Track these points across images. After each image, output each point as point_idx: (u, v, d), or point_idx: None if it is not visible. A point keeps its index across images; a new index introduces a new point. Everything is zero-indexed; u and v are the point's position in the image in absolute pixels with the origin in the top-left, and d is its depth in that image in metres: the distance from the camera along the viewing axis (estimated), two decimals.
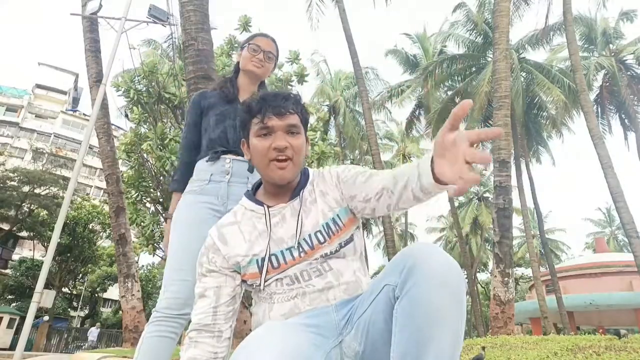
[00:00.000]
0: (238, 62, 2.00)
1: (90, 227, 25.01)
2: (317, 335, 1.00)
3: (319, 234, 1.11)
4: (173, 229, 1.75)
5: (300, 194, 1.16)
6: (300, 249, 1.11)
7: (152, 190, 11.51)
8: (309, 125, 1.25)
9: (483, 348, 2.75)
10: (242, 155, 1.74)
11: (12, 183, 23.19)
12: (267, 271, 1.11)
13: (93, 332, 22.62)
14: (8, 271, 26.66)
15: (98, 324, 25.59)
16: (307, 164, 2.34)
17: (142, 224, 10.99)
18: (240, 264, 1.14)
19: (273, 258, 1.11)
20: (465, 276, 25.80)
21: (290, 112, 1.13)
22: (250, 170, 1.77)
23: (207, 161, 1.80)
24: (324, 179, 1.19)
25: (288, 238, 1.12)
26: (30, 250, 27.53)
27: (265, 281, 1.11)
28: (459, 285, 0.89)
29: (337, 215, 1.14)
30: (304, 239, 1.11)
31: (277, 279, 1.11)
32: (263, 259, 1.11)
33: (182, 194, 1.83)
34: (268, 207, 1.15)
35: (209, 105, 1.91)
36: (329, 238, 1.11)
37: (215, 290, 1.13)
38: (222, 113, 1.86)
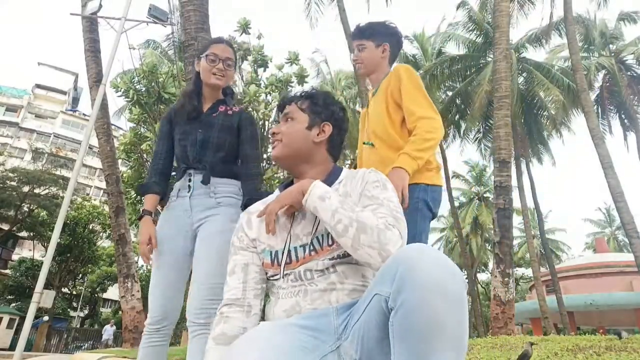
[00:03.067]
0: (198, 72, 2.03)
1: (90, 227, 25.01)
2: (312, 338, 0.99)
3: (329, 236, 1.11)
4: (160, 245, 1.89)
5: None
6: (311, 247, 1.12)
7: None
8: None
9: (531, 344, 2.70)
10: (202, 170, 1.90)
11: (12, 183, 23.19)
12: (277, 263, 1.15)
13: (108, 330, 22.26)
14: (8, 271, 26.65)
15: (112, 321, 25.37)
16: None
17: None
18: (258, 250, 1.20)
19: (286, 252, 1.15)
20: (466, 276, 25.78)
21: (287, 104, 1.30)
22: (205, 182, 1.88)
23: (177, 180, 1.97)
24: (354, 180, 1.20)
25: (303, 235, 1.15)
26: (30, 250, 27.53)
27: (273, 276, 1.16)
28: (457, 290, 0.83)
29: None
30: (316, 238, 1.13)
31: (285, 274, 1.14)
32: (277, 252, 1.16)
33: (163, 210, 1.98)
34: None
35: (176, 121, 2.03)
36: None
37: (243, 267, 1.19)
38: (184, 132, 1.97)
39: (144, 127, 11.65)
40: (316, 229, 1.14)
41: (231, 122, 1.98)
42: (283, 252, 1.14)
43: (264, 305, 1.21)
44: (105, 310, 34.97)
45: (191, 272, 1.93)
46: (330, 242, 1.11)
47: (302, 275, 1.11)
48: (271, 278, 1.17)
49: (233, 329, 1.11)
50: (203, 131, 1.93)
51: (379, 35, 2.02)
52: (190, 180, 1.91)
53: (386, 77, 1.99)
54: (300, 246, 1.13)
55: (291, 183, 1.28)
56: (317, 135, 1.24)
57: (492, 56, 13.40)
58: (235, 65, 2.07)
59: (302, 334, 0.99)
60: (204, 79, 1.99)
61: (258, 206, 1.28)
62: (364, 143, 2.06)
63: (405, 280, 0.83)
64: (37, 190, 23.67)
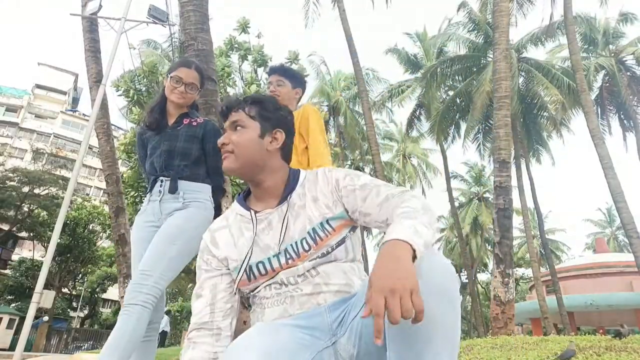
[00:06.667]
0: (164, 88, 2.19)
1: (90, 227, 25.02)
2: (308, 335, 0.98)
3: (304, 241, 1.09)
4: (132, 247, 2.08)
5: (288, 198, 1.15)
6: (287, 256, 1.09)
7: None
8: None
9: (574, 344, 2.82)
10: (170, 177, 2.04)
11: (12, 183, 23.21)
12: (254, 278, 1.11)
13: None
14: (8, 271, 26.66)
15: None
16: (305, 166, 2.37)
17: None
18: (230, 267, 1.15)
19: (260, 265, 1.11)
20: (466, 276, 25.81)
21: (233, 111, 1.20)
22: (171, 190, 2.01)
23: (148, 191, 2.13)
24: (317, 182, 1.18)
25: (275, 244, 1.11)
26: (30, 250, 27.53)
27: (254, 289, 1.13)
28: (451, 288, 0.84)
29: (327, 220, 1.11)
30: (290, 245, 1.10)
31: (266, 285, 1.11)
32: (250, 267, 1.12)
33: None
34: (255, 212, 1.16)
35: (146, 139, 2.19)
36: (315, 244, 1.09)
37: (211, 288, 1.14)
38: (153, 146, 2.13)
39: None
40: (285, 235, 1.11)
41: (195, 132, 2.12)
42: (257, 265, 1.11)
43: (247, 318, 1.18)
44: (105, 311, 34.96)
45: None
46: (307, 247, 1.09)
47: (284, 281, 1.09)
48: (251, 292, 1.15)
49: (202, 355, 1.06)
50: (168, 143, 2.09)
51: (295, 80, 2.46)
52: (161, 186, 2.04)
53: (295, 112, 2.36)
54: (274, 256, 1.10)
55: (249, 192, 1.23)
56: (270, 143, 1.19)
57: (492, 56, 13.40)
58: (200, 88, 2.20)
59: (298, 331, 0.99)
60: (167, 95, 2.14)
61: (220, 223, 1.22)
62: None
63: None
64: (37, 191, 23.68)
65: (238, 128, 1.18)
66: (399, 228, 0.90)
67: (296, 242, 1.10)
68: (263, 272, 1.10)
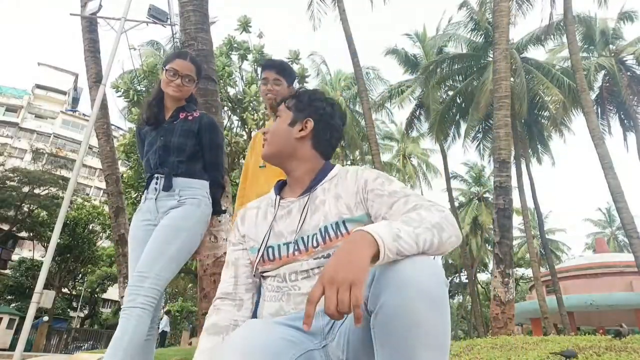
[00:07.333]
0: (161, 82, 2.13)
1: (90, 227, 25.01)
2: (299, 335, 0.98)
3: (315, 237, 1.09)
4: (129, 246, 2.04)
5: (311, 190, 1.17)
6: (295, 247, 1.10)
7: None
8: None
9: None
10: (164, 174, 2.01)
11: (12, 183, 23.21)
12: (263, 261, 1.14)
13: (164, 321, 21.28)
14: (8, 271, 26.67)
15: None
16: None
17: None
18: (247, 246, 1.21)
19: (270, 250, 1.14)
20: (466, 276, 25.74)
21: (279, 105, 1.30)
22: (165, 188, 1.98)
23: (145, 188, 2.10)
24: (346, 180, 1.16)
25: (288, 233, 1.13)
26: (30, 250, 27.54)
27: (256, 269, 1.16)
28: (437, 290, 0.80)
29: (344, 221, 1.08)
30: (302, 238, 1.10)
31: (272, 276, 1.13)
32: (260, 249, 1.16)
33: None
34: (280, 198, 1.20)
35: (144, 134, 2.17)
36: (324, 243, 1.07)
37: (234, 261, 1.21)
38: (149, 143, 2.10)
39: None
40: (300, 227, 1.11)
41: (191, 127, 2.07)
42: (267, 249, 1.14)
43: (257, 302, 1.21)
44: (105, 311, 34.96)
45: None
46: (315, 244, 1.08)
47: (286, 277, 1.09)
48: (261, 274, 1.18)
49: (224, 320, 1.12)
50: (164, 138, 2.05)
51: (291, 78, 2.35)
52: (157, 184, 2.01)
53: None
54: (284, 244, 1.12)
55: (284, 183, 1.26)
56: (299, 131, 1.21)
57: (492, 56, 13.40)
58: (197, 80, 2.15)
59: (288, 329, 0.98)
60: (163, 88, 2.09)
61: (255, 203, 1.28)
62: (260, 167, 2.20)
63: (382, 282, 0.82)
64: (37, 191, 23.69)
65: (278, 119, 1.27)
66: (377, 224, 0.87)
67: (308, 236, 1.10)
68: (271, 257, 1.13)
